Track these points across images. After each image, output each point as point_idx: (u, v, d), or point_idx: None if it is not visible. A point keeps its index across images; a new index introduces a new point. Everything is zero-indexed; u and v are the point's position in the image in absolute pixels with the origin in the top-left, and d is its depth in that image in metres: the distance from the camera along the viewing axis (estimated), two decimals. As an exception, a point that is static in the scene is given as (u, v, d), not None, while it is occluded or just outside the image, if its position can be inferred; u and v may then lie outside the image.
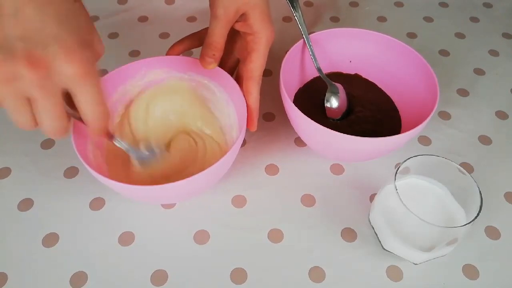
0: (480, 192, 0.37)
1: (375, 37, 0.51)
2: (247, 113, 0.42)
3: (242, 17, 0.41)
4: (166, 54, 0.47)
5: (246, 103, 0.43)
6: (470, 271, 0.42)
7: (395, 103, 0.52)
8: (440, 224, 0.36)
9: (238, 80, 0.45)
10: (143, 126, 0.48)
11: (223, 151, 0.47)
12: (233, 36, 0.44)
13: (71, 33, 0.29)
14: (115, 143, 0.41)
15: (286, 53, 0.47)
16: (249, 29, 0.42)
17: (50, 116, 0.30)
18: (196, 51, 0.60)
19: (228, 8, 0.40)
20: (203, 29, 0.45)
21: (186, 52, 0.58)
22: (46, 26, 0.28)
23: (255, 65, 0.43)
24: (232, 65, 0.49)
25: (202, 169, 0.37)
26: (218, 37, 0.41)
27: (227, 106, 0.47)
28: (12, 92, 0.28)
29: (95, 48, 0.32)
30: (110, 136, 0.40)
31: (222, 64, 0.44)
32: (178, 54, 0.47)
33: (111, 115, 0.32)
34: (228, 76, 0.45)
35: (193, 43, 0.47)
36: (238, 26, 0.42)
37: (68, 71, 0.28)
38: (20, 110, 0.29)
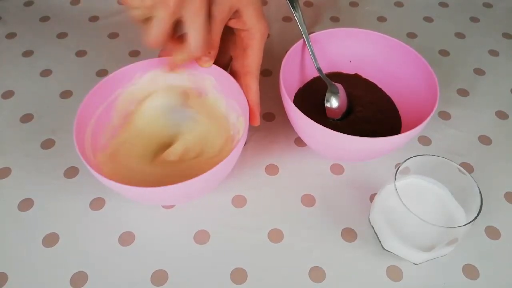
0: (480, 192, 0.37)
1: (375, 37, 0.51)
2: (249, 108, 0.43)
3: (236, 14, 0.42)
4: (159, 56, 0.47)
5: (246, 98, 0.43)
6: (470, 271, 0.42)
7: (395, 103, 0.52)
8: (440, 224, 0.36)
9: (233, 76, 0.45)
10: (147, 126, 0.48)
11: (224, 151, 0.47)
12: (225, 33, 0.44)
13: None
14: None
15: (286, 53, 0.47)
16: (243, 25, 0.42)
17: (159, 29, 0.38)
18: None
19: (222, 6, 0.40)
20: None
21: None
22: None
23: (252, 60, 0.43)
24: (225, 62, 0.49)
25: (203, 170, 0.37)
26: (213, 35, 0.41)
27: (227, 105, 0.47)
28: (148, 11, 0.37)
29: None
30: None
31: (215, 62, 0.44)
32: (172, 55, 0.47)
33: (209, 47, 0.41)
34: (227, 74, 0.45)
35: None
36: (232, 23, 0.43)
37: (196, 3, 0.37)
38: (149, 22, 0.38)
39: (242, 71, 0.44)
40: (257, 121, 0.44)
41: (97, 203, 0.46)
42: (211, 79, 0.47)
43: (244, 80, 0.43)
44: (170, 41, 0.40)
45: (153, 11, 0.37)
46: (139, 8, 0.37)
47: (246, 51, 0.43)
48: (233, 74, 0.46)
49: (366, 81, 0.54)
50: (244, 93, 0.43)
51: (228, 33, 0.45)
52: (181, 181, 0.36)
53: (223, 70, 0.45)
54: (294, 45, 0.48)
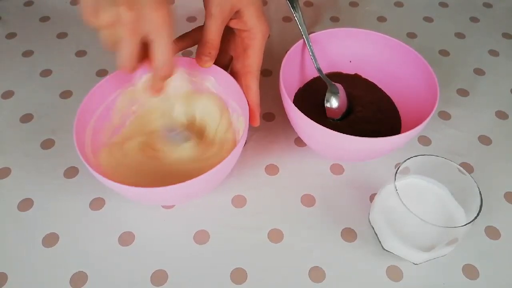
0: (480, 192, 0.37)
1: (375, 37, 0.51)
2: (249, 108, 0.43)
3: (237, 14, 0.42)
4: None
5: (247, 98, 0.43)
6: (470, 271, 0.42)
7: (395, 103, 0.52)
8: (440, 224, 0.36)
9: (233, 76, 0.45)
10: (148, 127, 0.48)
11: (225, 151, 0.47)
12: (226, 34, 0.44)
13: None
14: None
15: (286, 53, 0.47)
16: (244, 26, 0.42)
17: (126, 51, 0.36)
18: (196, 51, 0.60)
19: (223, 6, 0.40)
20: (195, 28, 0.46)
21: (186, 51, 0.59)
22: None
23: (253, 60, 0.43)
24: (225, 63, 0.49)
25: (203, 169, 0.37)
26: (214, 35, 0.41)
27: (228, 105, 0.47)
28: (112, 32, 0.35)
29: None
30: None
31: (215, 63, 0.45)
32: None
33: (175, 66, 0.39)
34: (227, 74, 0.45)
35: (186, 43, 0.47)
36: (233, 24, 0.43)
37: (154, 19, 0.34)
38: (117, 46, 0.36)
39: (243, 71, 0.44)
40: (257, 122, 0.44)
41: (97, 203, 0.46)
42: (211, 79, 0.47)
43: (245, 80, 0.43)
44: (146, 63, 0.38)
45: (115, 32, 0.35)
46: (103, 29, 0.35)
47: (247, 51, 0.43)
48: (234, 74, 0.46)
49: (366, 81, 0.54)
50: (244, 93, 0.43)
51: (228, 33, 0.45)
52: (181, 181, 0.36)
53: (223, 70, 0.45)
54: (294, 45, 0.48)
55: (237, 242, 0.44)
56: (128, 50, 0.35)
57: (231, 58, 0.49)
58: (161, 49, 0.36)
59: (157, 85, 0.40)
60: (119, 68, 0.37)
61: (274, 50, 0.61)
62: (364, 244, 0.44)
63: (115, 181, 0.36)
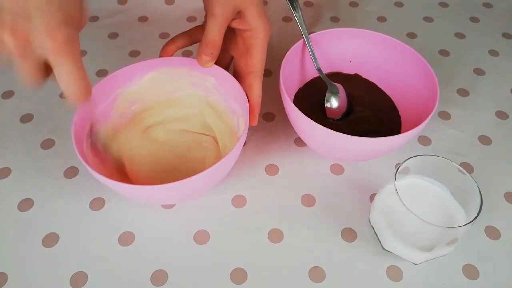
0: (480, 192, 0.37)
1: (375, 37, 0.51)
2: (249, 107, 0.43)
3: (239, 14, 0.42)
4: (160, 56, 0.47)
5: (248, 97, 0.43)
6: (470, 271, 0.42)
7: (395, 103, 0.52)
8: (440, 224, 0.36)
9: (236, 77, 0.45)
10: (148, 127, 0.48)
11: (224, 151, 0.47)
12: (226, 34, 0.44)
13: (56, 8, 0.29)
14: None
15: (286, 53, 0.47)
16: (247, 26, 0.42)
17: (27, 78, 0.32)
18: (196, 51, 0.60)
19: (226, 6, 0.40)
20: (195, 27, 0.46)
21: (186, 51, 0.59)
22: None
23: (256, 60, 0.43)
24: (226, 63, 0.49)
25: (203, 168, 0.37)
26: (216, 35, 0.41)
27: (228, 105, 0.47)
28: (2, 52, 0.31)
29: (79, 20, 0.32)
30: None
31: (216, 62, 0.44)
32: (172, 55, 0.47)
33: (89, 93, 0.34)
34: (228, 74, 0.45)
35: (186, 41, 0.47)
36: (235, 24, 0.43)
37: (47, 45, 0.30)
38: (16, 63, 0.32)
39: (246, 71, 0.44)
40: (255, 121, 0.44)
41: (97, 203, 0.46)
42: (212, 79, 0.47)
43: (248, 79, 0.43)
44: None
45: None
46: None
47: (250, 51, 0.43)
48: (236, 74, 0.46)
49: (366, 81, 0.54)
50: (246, 92, 0.43)
51: (229, 33, 0.45)
52: (181, 179, 0.36)
53: (224, 70, 0.45)
54: (294, 45, 0.48)
55: (237, 242, 0.44)
56: (25, 70, 0.32)
57: (232, 58, 0.49)
58: (63, 77, 0.31)
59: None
60: (23, 84, 0.34)
61: (274, 50, 0.60)
62: (364, 244, 0.44)
63: (115, 181, 0.36)
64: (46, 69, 0.33)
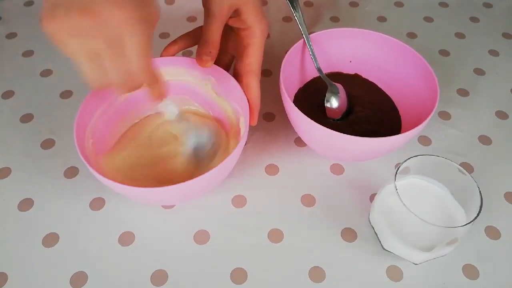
0: (480, 192, 0.37)
1: (375, 37, 0.51)
2: (249, 107, 0.43)
3: (236, 13, 0.42)
4: (161, 56, 0.47)
5: (247, 97, 0.43)
6: (470, 271, 0.42)
7: (395, 103, 0.52)
8: (440, 224, 0.36)
9: (236, 77, 0.45)
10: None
11: (225, 151, 0.47)
12: (226, 33, 0.44)
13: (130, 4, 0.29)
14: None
15: (286, 53, 0.47)
16: (243, 24, 0.42)
17: (115, 65, 0.31)
18: (196, 51, 0.60)
19: (222, 5, 0.40)
20: (197, 27, 0.46)
21: (186, 51, 0.59)
22: None
23: (253, 59, 0.43)
24: (226, 62, 0.49)
25: (204, 170, 0.37)
26: (213, 35, 0.41)
27: (228, 105, 0.47)
28: (79, 46, 0.30)
29: (151, 15, 0.31)
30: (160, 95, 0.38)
31: (216, 62, 0.44)
32: (173, 55, 0.47)
33: (159, 75, 0.34)
34: (228, 74, 0.45)
35: (188, 42, 0.47)
36: (232, 22, 0.43)
37: (117, 16, 0.29)
38: (89, 64, 0.31)
39: (243, 70, 0.43)
40: (255, 121, 0.44)
41: (97, 203, 0.46)
42: (212, 79, 0.47)
43: (245, 79, 0.43)
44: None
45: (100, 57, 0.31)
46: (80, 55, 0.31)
47: (247, 50, 0.43)
48: (235, 74, 0.46)
49: (366, 81, 0.54)
50: (244, 92, 0.43)
51: (229, 33, 0.45)
52: (182, 181, 0.36)
53: (224, 70, 0.45)
54: (294, 45, 0.48)
55: (237, 242, 0.44)
56: (114, 65, 0.31)
57: (232, 58, 0.49)
58: (133, 49, 0.31)
59: (154, 92, 0.36)
60: (121, 92, 0.33)
61: (274, 50, 0.61)
62: (364, 244, 0.44)
63: (115, 181, 0.36)
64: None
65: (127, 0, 0.29)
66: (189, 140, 0.46)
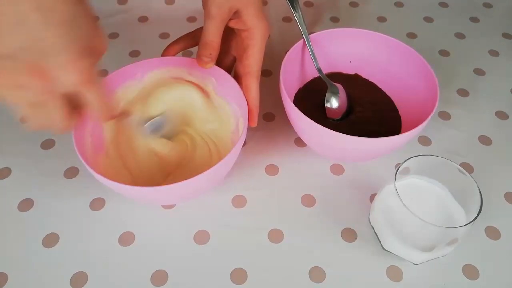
0: (480, 192, 0.37)
1: (375, 37, 0.51)
2: (248, 109, 0.42)
3: (236, 14, 0.42)
4: (162, 55, 0.47)
5: (246, 98, 0.43)
6: (470, 271, 0.42)
7: (395, 103, 0.52)
8: (440, 224, 0.36)
9: (237, 78, 0.45)
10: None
11: (224, 151, 0.47)
12: (228, 34, 0.44)
13: (73, 41, 0.29)
14: (126, 120, 0.42)
15: (286, 53, 0.47)
16: (244, 25, 0.42)
17: (58, 117, 0.32)
18: (196, 51, 0.60)
19: (222, 6, 0.40)
20: (198, 28, 0.46)
21: (186, 51, 0.59)
22: (49, 35, 0.27)
23: (252, 60, 0.43)
24: (228, 63, 0.49)
25: (203, 169, 0.37)
26: (213, 36, 0.41)
27: (228, 106, 0.47)
28: (22, 98, 0.30)
29: (98, 48, 0.32)
30: (122, 115, 0.42)
31: (218, 63, 0.44)
32: (174, 55, 0.47)
33: (114, 103, 0.36)
34: (228, 75, 0.45)
35: (189, 42, 0.47)
36: (232, 24, 0.42)
37: (70, 80, 0.30)
38: (32, 114, 0.32)
39: (243, 72, 0.43)
40: (255, 122, 0.44)
41: (97, 203, 0.46)
42: (212, 80, 0.47)
43: (245, 80, 0.43)
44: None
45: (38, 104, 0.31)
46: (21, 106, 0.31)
47: (247, 52, 0.43)
48: (235, 75, 0.46)
49: (366, 81, 0.54)
50: (244, 93, 0.43)
51: (230, 34, 0.45)
52: (181, 180, 0.36)
53: (224, 71, 0.45)
54: (294, 45, 0.48)
55: (237, 242, 0.44)
56: (53, 112, 0.32)
57: (234, 59, 0.49)
58: (94, 101, 0.32)
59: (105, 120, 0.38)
60: (57, 132, 0.34)
61: (274, 50, 0.61)
62: (364, 244, 0.44)
63: (115, 181, 0.36)
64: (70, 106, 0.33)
65: (79, 60, 0.29)
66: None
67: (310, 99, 0.51)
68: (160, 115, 0.46)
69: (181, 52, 0.48)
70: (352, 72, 0.54)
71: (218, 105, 0.48)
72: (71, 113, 0.33)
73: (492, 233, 0.45)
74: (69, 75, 0.29)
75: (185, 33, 0.47)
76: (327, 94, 0.49)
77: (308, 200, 0.47)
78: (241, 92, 0.43)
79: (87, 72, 0.30)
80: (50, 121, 0.32)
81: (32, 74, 0.28)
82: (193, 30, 0.47)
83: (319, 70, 0.50)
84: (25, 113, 0.32)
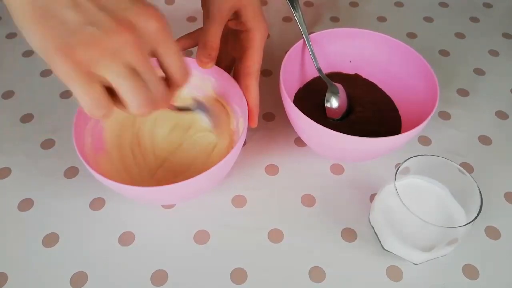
0: (480, 192, 0.37)
1: (375, 37, 0.51)
2: (248, 109, 0.42)
3: (235, 15, 0.42)
4: None
5: (246, 99, 0.43)
6: (470, 271, 0.42)
7: (395, 103, 0.52)
8: (440, 224, 0.36)
9: (236, 78, 0.45)
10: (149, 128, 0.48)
11: (224, 151, 0.47)
12: (227, 34, 0.44)
13: None
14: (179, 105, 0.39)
15: (286, 53, 0.47)
16: (243, 26, 0.42)
17: (157, 84, 0.30)
18: (196, 51, 0.60)
19: (221, 6, 0.40)
20: (198, 29, 0.46)
21: (186, 51, 0.59)
22: None
23: (252, 61, 0.43)
24: (228, 64, 0.49)
25: (203, 169, 0.37)
26: (213, 37, 0.41)
27: (228, 106, 0.47)
28: (122, 66, 0.27)
29: None
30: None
31: (217, 63, 0.44)
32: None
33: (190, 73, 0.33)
34: (227, 75, 0.45)
35: (189, 43, 0.47)
36: (231, 24, 0.42)
37: (152, 26, 0.28)
38: (135, 86, 0.28)
39: (242, 72, 0.43)
40: (255, 123, 0.44)
41: (97, 203, 0.46)
42: (212, 80, 0.47)
43: (244, 81, 0.43)
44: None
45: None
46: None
47: (246, 52, 0.43)
48: (235, 75, 0.46)
49: (366, 81, 0.54)
50: (243, 94, 0.43)
51: (230, 34, 0.45)
52: (180, 180, 0.36)
53: (224, 71, 0.45)
54: (294, 45, 0.48)
55: (237, 242, 0.44)
56: (149, 75, 0.29)
57: (234, 59, 0.49)
58: (173, 55, 0.30)
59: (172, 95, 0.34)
60: (145, 110, 0.30)
61: (274, 50, 0.61)
62: (364, 244, 0.44)
63: (115, 181, 0.36)
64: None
65: (152, 7, 0.28)
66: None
67: (310, 99, 0.51)
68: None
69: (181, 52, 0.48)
70: (352, 72, 0.54)
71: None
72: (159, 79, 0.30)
73: (492, 233, 0.45)
74: (150, 21, 0.27)
75: (185, 33, 0.47)
76: (327, 94, 0.49)
77: (308, 200, 0.47)
78: (241, 92, 0.43)
79: (164, 19, 0.28)
80: (154, 89, 0.29)
81: (123, 29, 0.26)
82: (193, 30, 0.47)
83: (319, 70, 0.50)
84: (128, 88, 0.28)
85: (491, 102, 0.57)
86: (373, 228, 0.44)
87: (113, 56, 0.27)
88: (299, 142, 0.52)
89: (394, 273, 0.42)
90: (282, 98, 0.45)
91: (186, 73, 0.32)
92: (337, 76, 0.54)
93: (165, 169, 0.46)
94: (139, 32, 0.27)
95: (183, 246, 0.43)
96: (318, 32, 0.50)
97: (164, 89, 0.31)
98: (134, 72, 0.28)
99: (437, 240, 0.38)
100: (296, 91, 0.52)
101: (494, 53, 0.63)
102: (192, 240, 0.43)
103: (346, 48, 0.52)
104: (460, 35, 0.65)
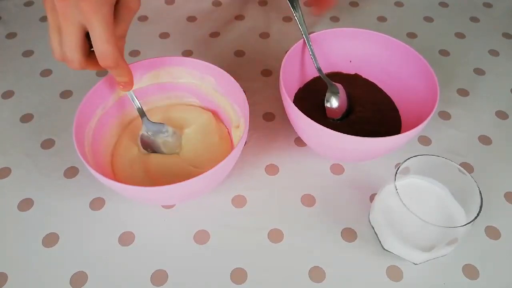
0: (480, 192, 0.37)
1: (375, 37, 0.51)
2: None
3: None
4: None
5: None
6: (470, 271, 0.42)
7: (395, 103, 0.52)
8: (440, 224, 0.36)
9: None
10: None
11: (224, 151, 0.47)
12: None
13: None
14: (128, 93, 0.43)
15: (286, 53, 0.47)
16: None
17: (68, 43, 0.35)
18: (196, 51, 0.60)
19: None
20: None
21: (186, 51, 0.59)
22: None
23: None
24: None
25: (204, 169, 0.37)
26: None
27: (228, 105, 0.47)
28: (54, 21, 0.35)
29: (128, 4, 0.36)
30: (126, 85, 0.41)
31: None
32: None
33: (118, 57, 0.36)
34: (227, 75, 0.45)
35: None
36: None
37: (83, 5, 0.33)
38: (52, 36, 0.36)
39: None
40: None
41: (97, 203, 0.46)
42: (212, 80, 0.47)
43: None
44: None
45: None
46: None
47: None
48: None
49: (366, 81, 0.54)
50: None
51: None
52: (181, 180, 0.36)
53: (224, 71, 0.45)
54: (294, 45, 0.48)
55: (237, 242, 0.44)
56: (67, 38, 0.35)
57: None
58: (96, 37, 0.34)
59: (119, 79, 0.40)
60: (57, 57, 0.36)
61: (274, 50, 0.61)
62: (364, 244, 0.44)
63: (115, 181, 0.36)
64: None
65: None
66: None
67: (310, 99, 0.51)
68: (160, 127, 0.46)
69: (180, 52, 0.48)
70: (352, 72, 0.54)
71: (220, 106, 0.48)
72: (85, 49, 0.36)
73: (492, 233, 0.45)
74: (83, 3, 0.32)
75: (184, 32, 0.47)
76: (327, 94, 0.49)
77: (308, 200, 0.47)
78: (241, 92, 0.44)
79: (99, 4, 0.33)
80: (65, 49, 0.35)
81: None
82: (194, 30, 0.46)
83: (319, 70, 0.50)
84: (52, 38, 0.35)
85: (491, 102, 0.57)
86: (373, 228, 0.44)
87: (53, 12, 0.34)
88: (299, 142, 0.52)
89: (394, 273, 0.42)
90: (282, 98, 0.45)
91: (104, 55, 0.35)
92: (337, 76, 0.54)
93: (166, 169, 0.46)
94: (70, 3, 0.33)
95: (183, 246, 0.43)
96: (318, 32, 0.50)
97: (75, 56, 0.36)
98: (60, 30, 0.35)
99: (437, 240, 0.38)
100: (296, 91, 0.52)
101: (494, 53, 0.63)
102: (192, 240, 0.43)
103: (346, 48, 0.52)
104: (460, 35, 0.65)
